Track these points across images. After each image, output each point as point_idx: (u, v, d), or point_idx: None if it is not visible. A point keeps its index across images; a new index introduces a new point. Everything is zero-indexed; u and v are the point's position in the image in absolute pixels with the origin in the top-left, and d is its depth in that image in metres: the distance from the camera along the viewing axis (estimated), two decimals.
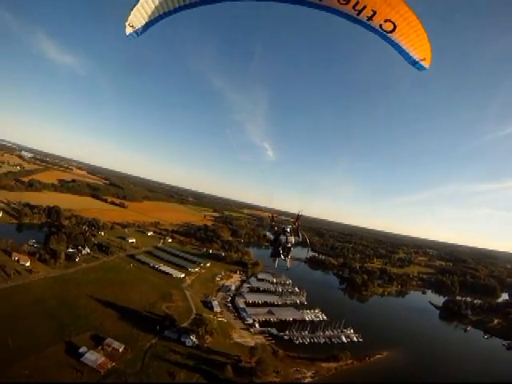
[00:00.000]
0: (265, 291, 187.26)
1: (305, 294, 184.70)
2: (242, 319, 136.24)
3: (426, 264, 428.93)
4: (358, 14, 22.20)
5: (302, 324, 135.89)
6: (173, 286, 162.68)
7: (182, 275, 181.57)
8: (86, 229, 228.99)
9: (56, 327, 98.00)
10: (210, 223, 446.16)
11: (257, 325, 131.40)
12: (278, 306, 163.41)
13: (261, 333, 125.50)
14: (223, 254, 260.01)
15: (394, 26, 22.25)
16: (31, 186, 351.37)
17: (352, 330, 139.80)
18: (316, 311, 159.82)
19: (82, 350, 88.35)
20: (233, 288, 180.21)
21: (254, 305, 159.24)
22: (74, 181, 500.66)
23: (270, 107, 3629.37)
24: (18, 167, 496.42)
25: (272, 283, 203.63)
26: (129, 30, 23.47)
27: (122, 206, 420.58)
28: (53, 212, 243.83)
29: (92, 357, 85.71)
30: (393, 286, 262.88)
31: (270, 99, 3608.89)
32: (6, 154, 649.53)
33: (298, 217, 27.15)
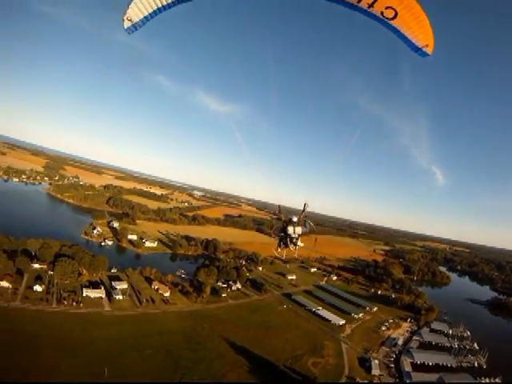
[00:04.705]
0: (437, 347, 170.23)
1: (486, 355, 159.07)
2: None
3: None
4: (359, 2, 24.36)
5: None
6: (328, 336, 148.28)
7: (342, 322, 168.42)
8: (243, 263, 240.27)
9: (168, 366, 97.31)
10: (380, 258, 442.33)
11: None
12: (451, 369, 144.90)
13: None
14: (393, 295, 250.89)
15: (396, 13, 24.08)
16: (194, 220, 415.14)
17: None
18: (497, 380, 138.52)
19: None
20: (400, 342, 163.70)
21: (423, 367, 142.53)
22: (240, 216, 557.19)
23: (433, 125, 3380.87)
24: (185, 204, 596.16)
25: (447, 336, 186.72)
26: (127, 24, 26.05)
27: None
28: (210, 245, 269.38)
29: None
30: None
31: (431, 117, 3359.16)
32: (176, 193, 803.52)
33: (304, 207, 29.22)
